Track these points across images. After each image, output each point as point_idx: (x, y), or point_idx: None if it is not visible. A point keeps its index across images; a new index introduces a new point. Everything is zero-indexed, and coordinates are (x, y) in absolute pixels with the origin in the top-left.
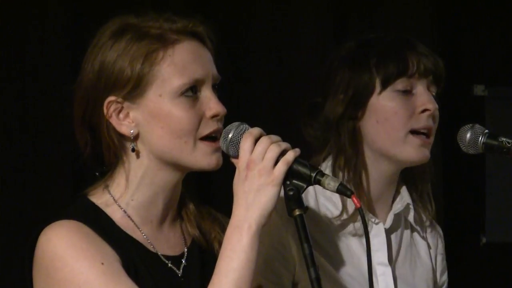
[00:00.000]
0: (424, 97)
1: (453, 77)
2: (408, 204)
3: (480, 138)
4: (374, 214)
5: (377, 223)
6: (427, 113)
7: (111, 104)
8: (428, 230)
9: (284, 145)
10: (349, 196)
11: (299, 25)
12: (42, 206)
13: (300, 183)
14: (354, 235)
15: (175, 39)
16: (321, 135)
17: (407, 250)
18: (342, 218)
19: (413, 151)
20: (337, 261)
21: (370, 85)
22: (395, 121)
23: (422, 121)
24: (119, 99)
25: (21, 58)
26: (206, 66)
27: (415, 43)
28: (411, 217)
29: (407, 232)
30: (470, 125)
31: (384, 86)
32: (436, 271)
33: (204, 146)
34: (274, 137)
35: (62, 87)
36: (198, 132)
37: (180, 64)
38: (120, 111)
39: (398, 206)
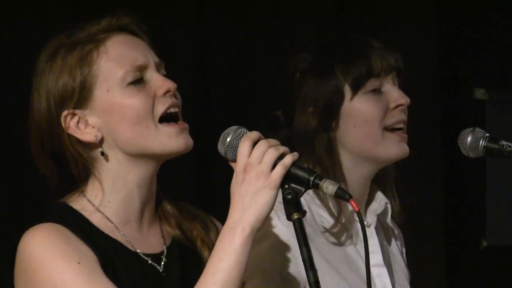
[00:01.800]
0: (395, 93)
1: (454, 80)
2: (386, 203)
3: (480, 142)
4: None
5: (368, 226)
6: (400, 108)
7: (66, 118)
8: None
9: (282, 149)
10: (347, 200)
11: (299, 24)
12: (41, 206)
13: (298, 187)
14: (350, 242)
15: (104, 37)
16: (293, 148)
17: (385, 249)
18: (337, 226)
19: (394, 148)
20: (336, 268)
21: (339, 93)
22: (372, 121)
23: (396, 116)
24: (71, 110)
25: (21, 57)
26: (144, 52)
27: (371, 41)
28: (389, 216)
29: (381, 231)
30: (471, 128)
31: (355, 90)
32: (406, 265)
33: (166, 129)
34: (272, 141)
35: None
36: (155, 113)
37: (117, 56)
38: (78, 122)
39: (375, 206)
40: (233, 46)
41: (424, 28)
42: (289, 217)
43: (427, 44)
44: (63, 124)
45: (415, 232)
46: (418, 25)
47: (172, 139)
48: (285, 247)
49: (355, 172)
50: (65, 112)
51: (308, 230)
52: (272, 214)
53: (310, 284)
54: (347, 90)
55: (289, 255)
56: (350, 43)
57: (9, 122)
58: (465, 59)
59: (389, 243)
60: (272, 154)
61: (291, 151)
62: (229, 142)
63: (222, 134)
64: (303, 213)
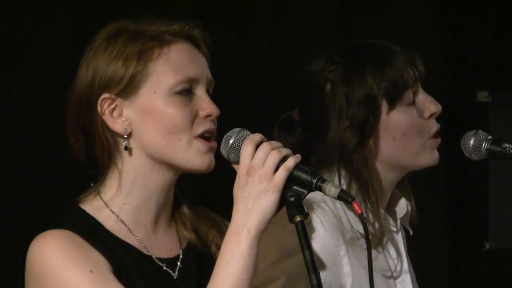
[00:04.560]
0: (427, 102)
1: (457, 83)
2: (407, 205)
3: (483, 144)
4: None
5: (397, 231)
6: (434, 115)
7: (104, 102)
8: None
9: (285, 151)
10: (350, 203)
11: (303, 23)
12: (43, 208)
13: (301, 189)
14: (380, 248)
15: (171, 39)
16: (323, 156)
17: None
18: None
19: (430, 156)
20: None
21: (376, 108)
22: (412, 133)
23: (434, 126)
24: (113, 96)
25: (23, 58)
26: (201, 67)
27: (398, 49)
28: (407, 218)
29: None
30: (474, 131)
31: (392, 106)
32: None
33: (198, 144)
34: (275, 143)
35: (64, 88)
36: (192, 131)
37: (175, 62)
38: (114, 109)
39: (397, 210)
40: (236, 48)
41: (428, 31)
42: (291, 220)
43: (430, 47)
44: (98, 107)
45: (418, 235)
46: (422, 28)
47: (198, 156)
48: (329, 256)
49: (383, 179)
50: (105, 95)
51: (347, 236)
52: (316, 221)
53: (312, 287)
54: (384, 105)
55: (331, 264)
56: (379, 51)
57: (10, 122)
58: (468, 62)
59: (405, 247)
60: (274, 157)
61: (301, 154)
62: (232, 144)
63: (225, 136)
64: (306, 215)
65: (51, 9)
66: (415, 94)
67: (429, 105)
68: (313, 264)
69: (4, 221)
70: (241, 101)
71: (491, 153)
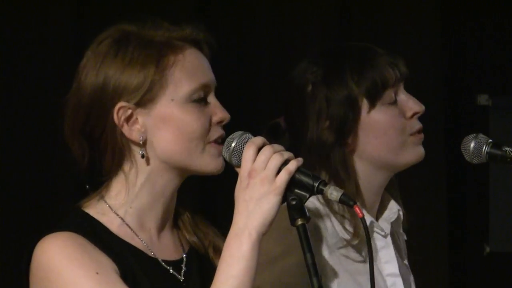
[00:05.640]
0: (410, 101)
1: (457, 86)
2: (398, 210)
3: (484, 148)
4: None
5: (386, 236)
6: (416, 115)
7: (120, 110)
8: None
9: (287, 154)
10: (351, 206)
11: (303, 23)
12: (44, 210)
13: (302, 193)
14: (362, 260)
15: (182, 45)
16: (304, 158)
17: (398, 259)
18: (356, 238)
19: (414, 152)
20: (357, 280)
21: (356, 107)
22: (393, 132)
23: (416, 125)
24: (131, 105)
25: (23, 58)
26: (209, 72)
27: (379, 50)
28: (401, 223)
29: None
30: (474, 134)
31: (373, 104)
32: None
33: (212, 149)
34: (277, 147)
35: (64, 88)
36: (208, 137)
37: (189, 69)
38: (129, 117)
39: (388, 214)
40: (236, 48)
41: (428, 35)
42: (293, 223)
43: (431, 51)
44: (115, 115)
45: (418, 238)
46: (422, 30)
47: (213, 160)
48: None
49: (370, 181)
50: (122, 103)
51: (331, 241)
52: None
53: None
54: (364, 103)
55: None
56: (360, 52)
57: (9, 122)
58: (468, 65)
59: (399, 251)
60: (276, 160)
61: (295, 157)
62: (234, 147)
63: (227, 139)
64: (308, 219)
65: (51, 9)
66: (396, 94)
67: (412, 105)
68: (315, 268)
69: (5, 223)
70: (241, 102)
71: (491, 157)
